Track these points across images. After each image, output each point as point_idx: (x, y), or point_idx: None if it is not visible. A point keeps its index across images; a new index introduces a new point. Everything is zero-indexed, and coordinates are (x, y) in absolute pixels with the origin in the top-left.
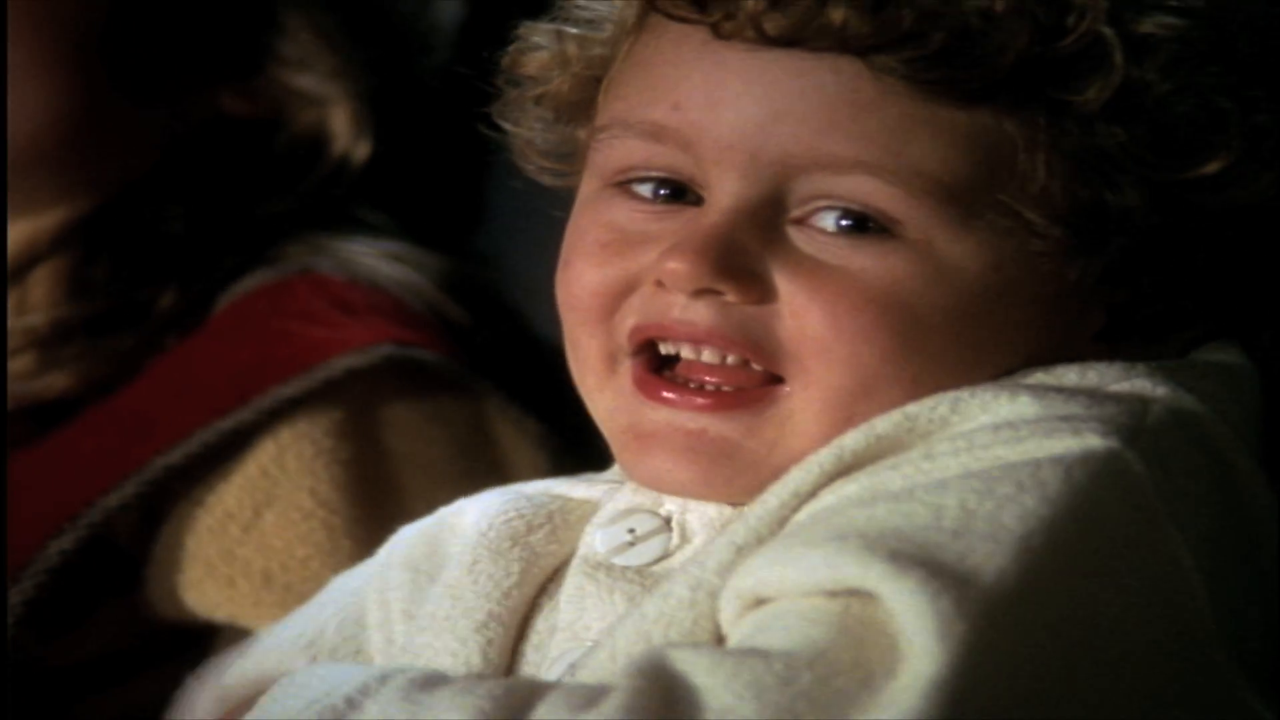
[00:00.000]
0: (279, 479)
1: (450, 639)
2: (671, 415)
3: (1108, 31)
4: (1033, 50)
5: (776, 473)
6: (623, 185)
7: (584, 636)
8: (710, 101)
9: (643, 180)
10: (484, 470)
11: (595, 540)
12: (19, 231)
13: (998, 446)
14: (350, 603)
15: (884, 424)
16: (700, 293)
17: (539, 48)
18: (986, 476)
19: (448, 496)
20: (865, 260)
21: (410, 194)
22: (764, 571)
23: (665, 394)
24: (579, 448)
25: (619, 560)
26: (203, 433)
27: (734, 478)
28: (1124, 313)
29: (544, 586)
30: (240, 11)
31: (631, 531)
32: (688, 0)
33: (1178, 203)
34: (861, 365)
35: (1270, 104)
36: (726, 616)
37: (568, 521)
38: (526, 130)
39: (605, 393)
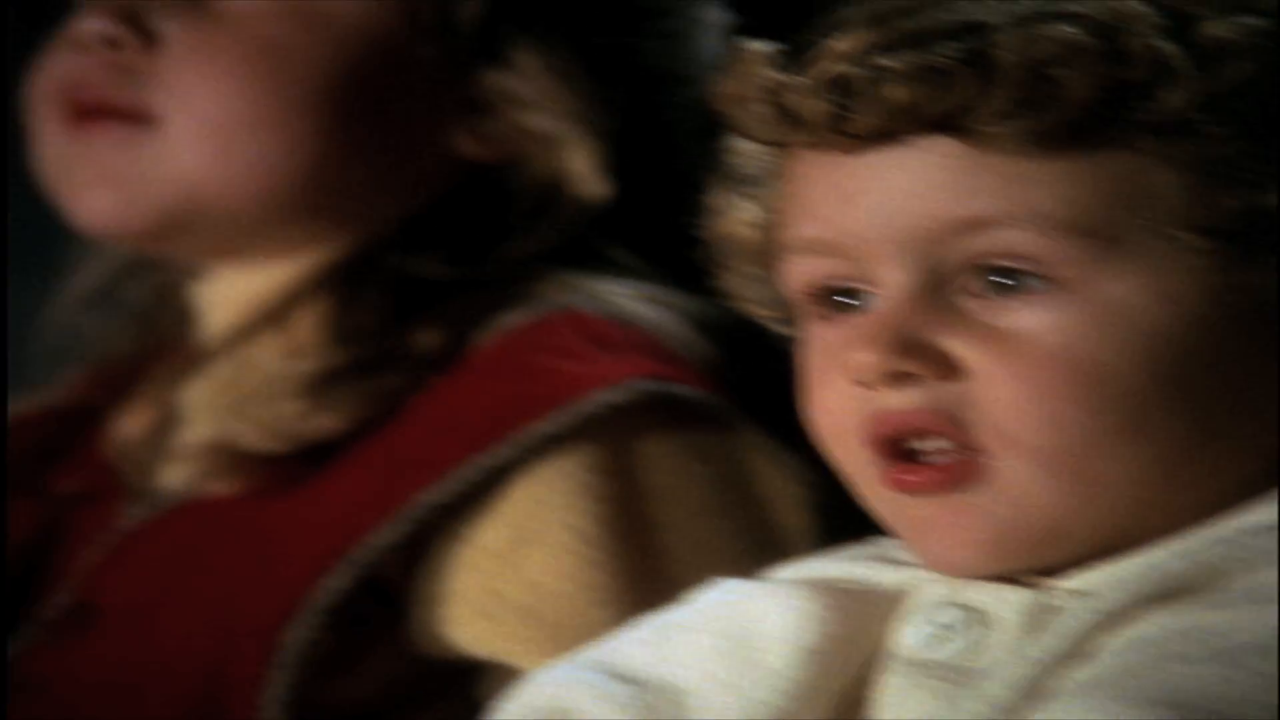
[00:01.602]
0: (539, 515)
1: None
2: (928, 499)
3: (1167, 46)
4: (1104, 80)
5: (1046, 537)
6: (816, 307)
7: None
8: (843, 206)
9: (825, 295)
10: (743, 505)
11: (905, 635)
12: (275, 277)
13: None
14: (667, 671)
15: (1209, 553)
16: (893, 378)
17: (720, 212)
18: None
19: (707, 531)
20: (1035, 317)
21: (661, 232)
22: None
23: (907, 476)
24: (836, 482)
25: (930, 655)
26: (464, 469)
27: (1005, 546)
28: None
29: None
30: (471, 53)
31: (940, 625)
32: (777, 128)
33: None
34: (1064, 424)
35: None
36: None
37: (877, 613)
38: (740, 286)
39: (875, 499)
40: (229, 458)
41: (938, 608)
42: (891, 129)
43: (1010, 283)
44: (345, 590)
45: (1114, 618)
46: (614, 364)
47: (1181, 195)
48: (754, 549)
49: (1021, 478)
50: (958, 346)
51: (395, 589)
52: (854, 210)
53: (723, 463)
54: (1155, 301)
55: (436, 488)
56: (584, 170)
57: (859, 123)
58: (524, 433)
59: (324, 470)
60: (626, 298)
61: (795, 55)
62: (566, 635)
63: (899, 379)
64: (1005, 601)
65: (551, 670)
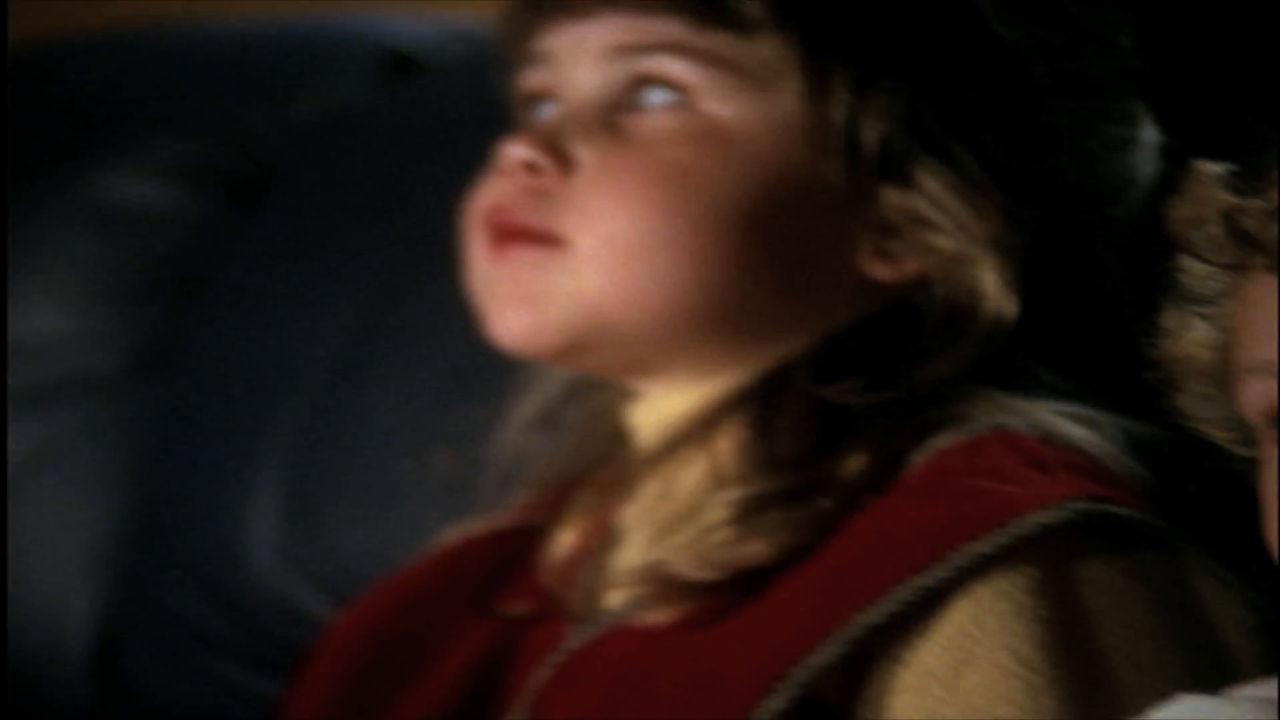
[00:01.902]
0: (978, 637)
1: None
2: None
3: None
4: None
5: None
6: (1274, 430)
7: None
8: None
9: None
10: (1188, 629)
11: None
12: (693, 399)
13: None
14: None
15: None
16: None
17: (1173, 332)
18: None
19: (1150, 655)
20: None
21: (1087, 352)
22: None
23: None
24: None
25: None
26: (901, 590)
27: None
28: None
29: None
30: (876, 174)
31: None
32: (1232, 251)
33: None
34: None
35: None
36: None
37: None
38: (1194, 407)
39: None
40: (664, 585)
41: None
42: None
43: None
44: (785, 711)
45: None
46: (1050, 485)
47: None
48: (1199, 674)
49: None
50: None
51: (834, 712)
52: None
53: (1165, 585)
54: None
55: (873, 609)
56: (994, 289)
57: None
58: (960, 553)
59: (759, 594)
60: (1059, 418)
61: (1249, 177)
62: None
63: None
64: None
65: None
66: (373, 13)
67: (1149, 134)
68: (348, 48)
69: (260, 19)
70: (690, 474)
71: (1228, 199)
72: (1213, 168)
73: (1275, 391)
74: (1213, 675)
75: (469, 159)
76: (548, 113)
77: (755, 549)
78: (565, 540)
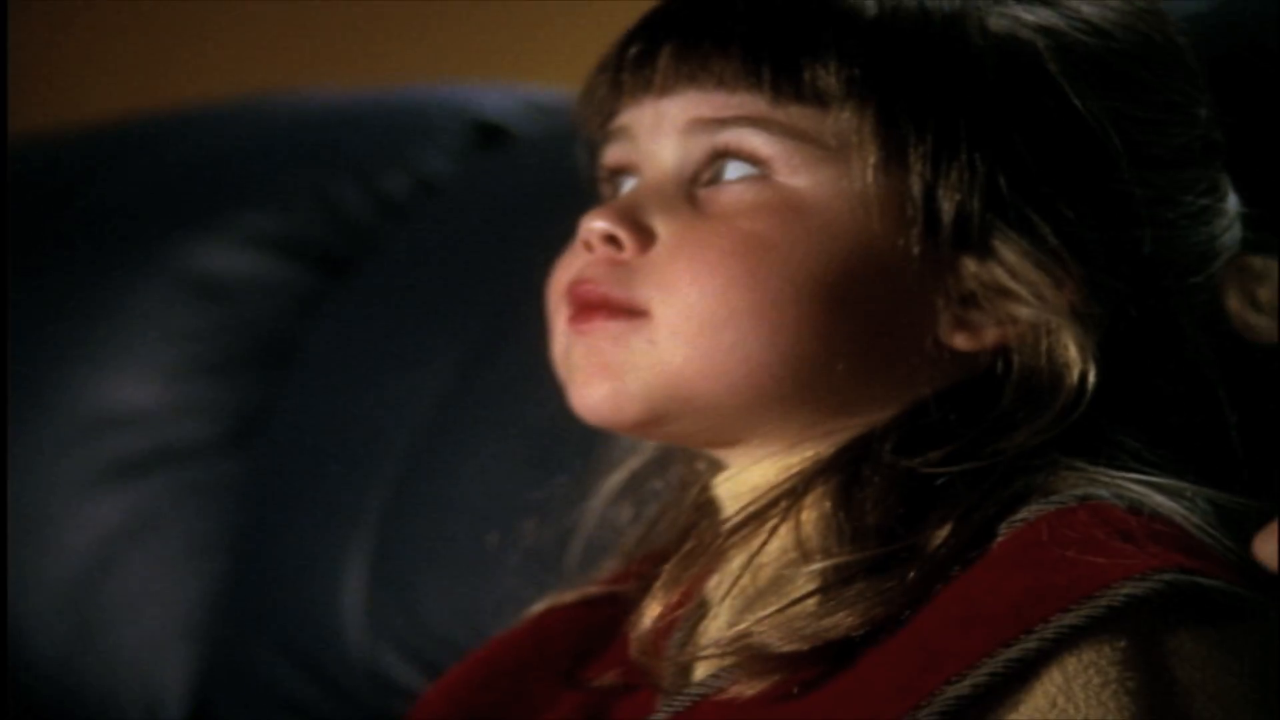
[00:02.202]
0: (1068, 710)
1: None
2: None
3: None
4: None
5: None
6: None
7: None
8: None
9: None
10: (1278, 702)
11: None
12: (776, 470)
13: None
14: None
15: None
16: None
17: None
18: None
19: None
20: None
21: (1174, 422)
22: None
23: None
24: None
25: None
26: (989, 662)
27: None
28: None
29: None
30: (954, 245)
31: None
32: None
33: None
34: None
35: None
36: None
37: None
38: None
39: None
40: (752, 656)
41: None
42: None
43: None
44: None
45: None
46: (1138, 555)
47: None
48: None
49: None
50: None
51: None
52: None
53: (1256, 657)
54: None
55: (963, 680)
56: (1075, 358)
57: None
58: (1049, 625)
59: (848, 665)
60: (1145, 488)
61: None
62: None
63: None
64: None
65: None
66: (461, 85)
67: (1231, 203)
68: (437, 119)
69: (350, 91)
70: (775, 545)
71: None
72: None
73: None
74: None
75: (555, 230)
76: (629, 187)
77: (842, 620)
78: (652, 611)
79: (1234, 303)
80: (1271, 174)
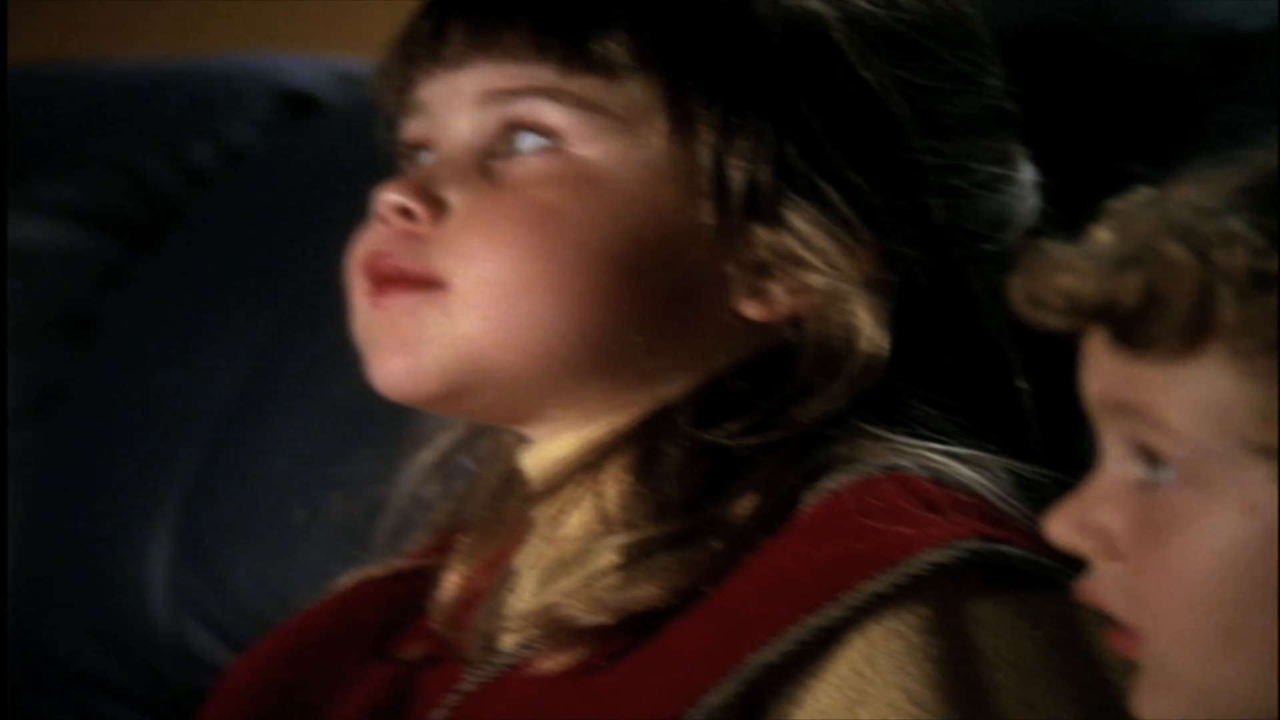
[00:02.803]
0: (871, 677)
1: None
2: None
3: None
4: (1202, 301)
5: (1224, 706)
6: None
7: None
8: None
9: None
10: (1078, 669)
11: None
12: (575, 443)
13: None
14: None
15: None
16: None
17: None
18: None
19: (1040, 695)
20: (1165, 513)
21: (971, 391)
22: None
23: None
24: None
25: None
26: (795, 630)
27: (1183, 707)
28: None
29: None
30: (745, 214)
31: None
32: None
33: None
34: (1163, 623)
35: None
36: None
37: None
38: None
39: None
40: (556, 629)
41: None
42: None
43: (1158, 468)
44: None
45: None
46: (941, 524)
47: (1258, 416)
48: (1089, 712)
49: (1162, 658)
50: (1120, 529)
51: None
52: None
53: (1055, 624)
54: (1239, 514)
55: (768, 648)
56: (868, 326)
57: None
58: (854, 593)
59: (653, 637)
60: (948, 458)
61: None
62: None
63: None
64: None
65: None
66: (269, 54)
67: (1025, 173)
68: (244, 88)
69: (156, 60)
70: (579, 518)
71: (1067, 281)
72: (1053, 245)
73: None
74: (1101, 714)
75: (364, 201)
76: (427, 160)
77: (646, 592)
78: (452, 582)
79: (1018, 290)
80: (1071, 145)
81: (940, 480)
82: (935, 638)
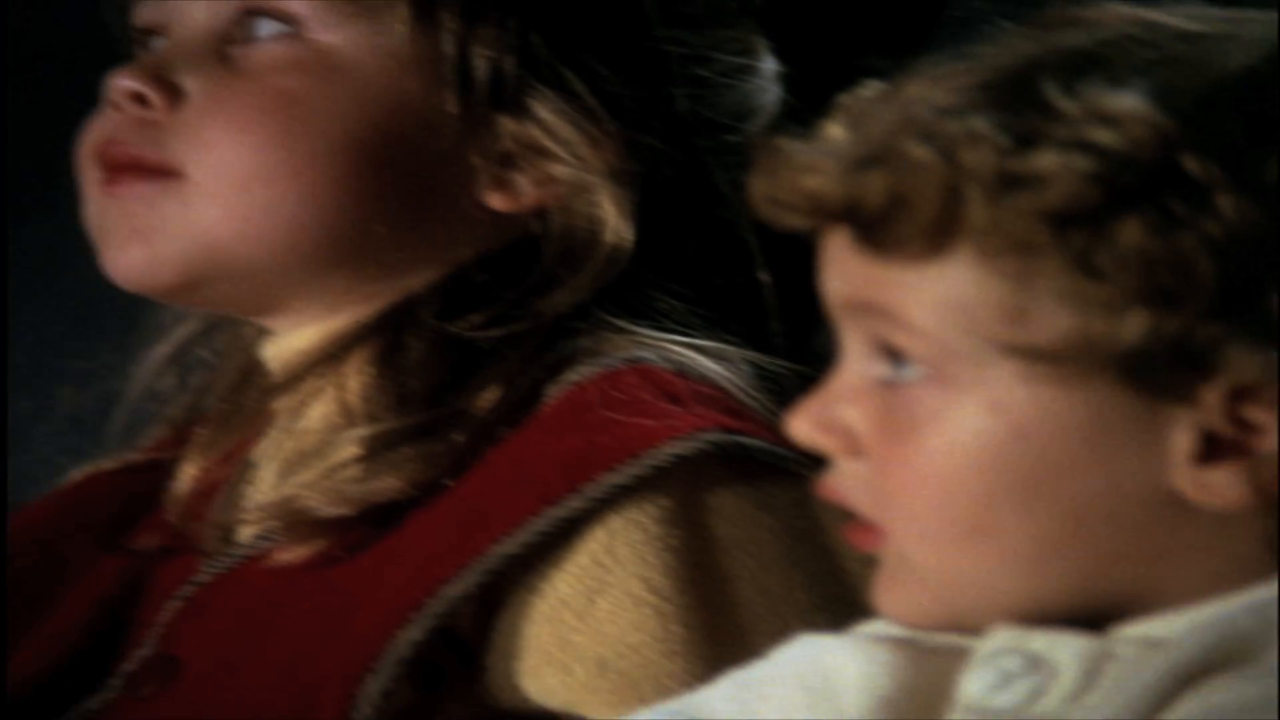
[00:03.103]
0: (611, 566)
1: None
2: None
3: (988, 174)
4: (945, 201)
5: (945, 601)
6: None
7: None
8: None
9: None
10: (813, 556)
11: (970, 684)
12: (318, 335)
13: None
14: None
15: (1271, 609)
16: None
17: None
18: None
19: (778, 583)
20: (905, 409)
21: (717, 283)
22: None
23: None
24: None
25: (994, 703)
26: (537, 521)
27: (924, 601)
28: None
29: None
30: (490, 104)
31: (1002, 672)
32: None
33: None
34: (914, 517)
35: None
36: None
37: (954, 666)
38: None
39: None
40: (295, 520)
41: (999, 655)
42: (809, 216)
43: (902, 365)
44: (421, 642)
45: (1187, 675)
46: (683, 416)
47: (1008, 311)
48: (825, 600)
49: (905, 553)
50: (861, 425)
51: (470, 641)
52: (823, 274)
53: (793, 514)
54: (987, 412)
55: (509, 539)
56: (612, 217)
57: (785, 212)
58: (595, 484)
59: (394, 529)
60: (690, 351)
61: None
62: (639, 686)
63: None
64: (1065, 648)
65: None
66: None
67: (767, 64)
68: None
69: None
70: (320, 410)
71: (809, 182)
72: (791, 144)
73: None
74: (836, 603)
75: (94, 87)
76: (161, 46)
77: (387, 484)
78: (188, 473)
79: (758, 191)
80: (808, 38)
81: (682, 372)
82: (675, 528)
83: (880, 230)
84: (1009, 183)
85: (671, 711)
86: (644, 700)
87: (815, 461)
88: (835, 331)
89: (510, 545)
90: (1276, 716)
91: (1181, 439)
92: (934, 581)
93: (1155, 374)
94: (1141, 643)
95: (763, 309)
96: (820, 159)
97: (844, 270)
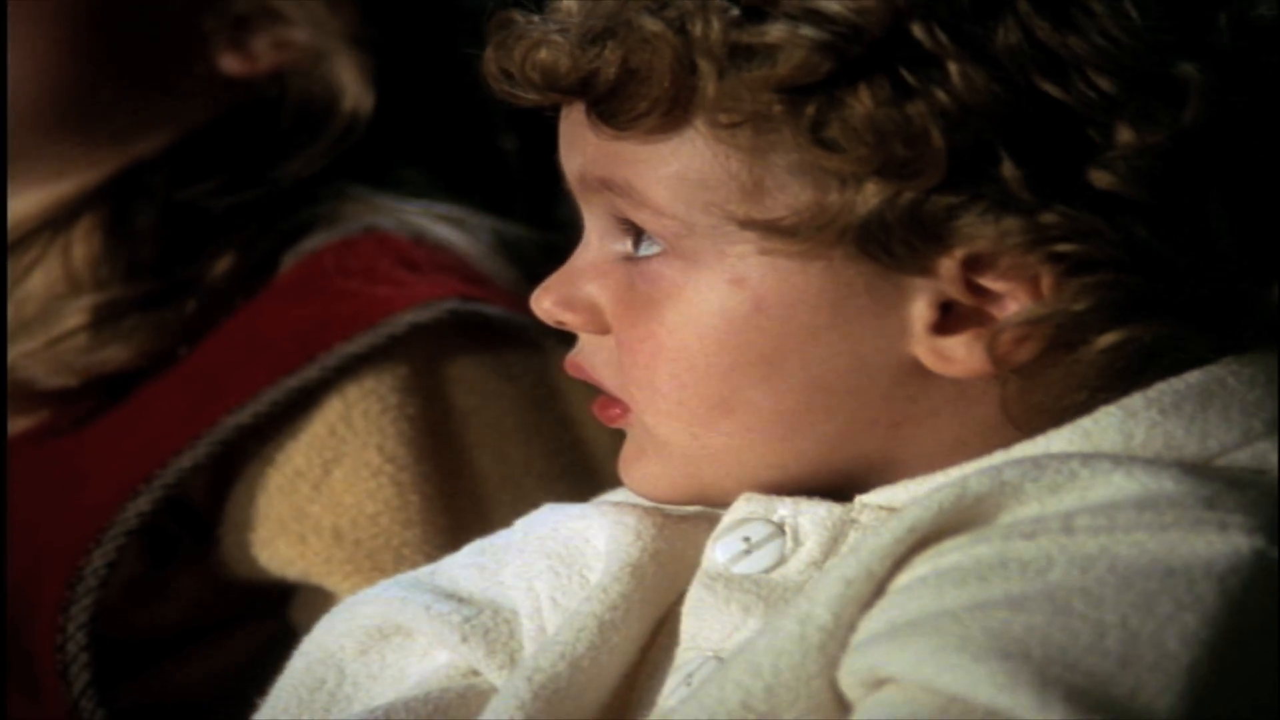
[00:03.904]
0: (347, 436)
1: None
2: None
3: (716, 47)
4: (676, 76)
5: (686, 472)
6: None
7: (704, 646)
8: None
9: None
10: (551, 423)
11: (714, 551)
12: (42, 200)
13: (1139, 530)
14: (498, 593)
15: (1011, 471)
16: (561, 325)
17: None
18: (1141, 584)
19: (516, 451)
20: (649, 284)
21: (457, 151)
22: (891, 657)
23: (600, 410)
24: None
25: (736, 569)
26: (271, 391)
27: (647, 466)
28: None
29: (684, 593)
30: None
31: (747, 540)
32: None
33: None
34: (658, 392)
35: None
36: (846, 681)
37: (700, 533)
38: None
39: None
40: (15, 392)
41: (745, 523)
42: (543, 95)
43: (645, 241)
44: (149, 514)
45: (919, 533)
46: (421, 284)
47: (745, 186)
48: (564, 468)
49: (648, 426)
50: (605, 301)
51: (203, 513)
52: (561, 151)
53: (532, 383)
54: (728, 286)
55: (244, 410)
56: (351, 83)
57: (521, 89)
58: (332, 354)
59: (124, 400)
60: (429, 218)
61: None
62: (376, 556)
63: (568, 326)
64: (807, 516)
65: (378, 590)
66: None
67: None
68: None
69: None
70: (41, 278)
71: (541, 56)
72: (523, 17)
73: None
74: (575, 471)
75: None
76: None
77: (114, 354)
78: None
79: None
80: None
81: (421, 240)
82: (411, 396)
83: (614, 105)
84: (740, 54)
85: (413, 579)
86: (381, 569)
87: (555, 331)
88: (577, 205)
89: (243, 415)
90: (1009, 575)
91: (920, 309)
92: (679, 455)
93: (892, 245)
94: (882, 509)
95: (505, 176)
96: (552, 32)
97: (581, 147)
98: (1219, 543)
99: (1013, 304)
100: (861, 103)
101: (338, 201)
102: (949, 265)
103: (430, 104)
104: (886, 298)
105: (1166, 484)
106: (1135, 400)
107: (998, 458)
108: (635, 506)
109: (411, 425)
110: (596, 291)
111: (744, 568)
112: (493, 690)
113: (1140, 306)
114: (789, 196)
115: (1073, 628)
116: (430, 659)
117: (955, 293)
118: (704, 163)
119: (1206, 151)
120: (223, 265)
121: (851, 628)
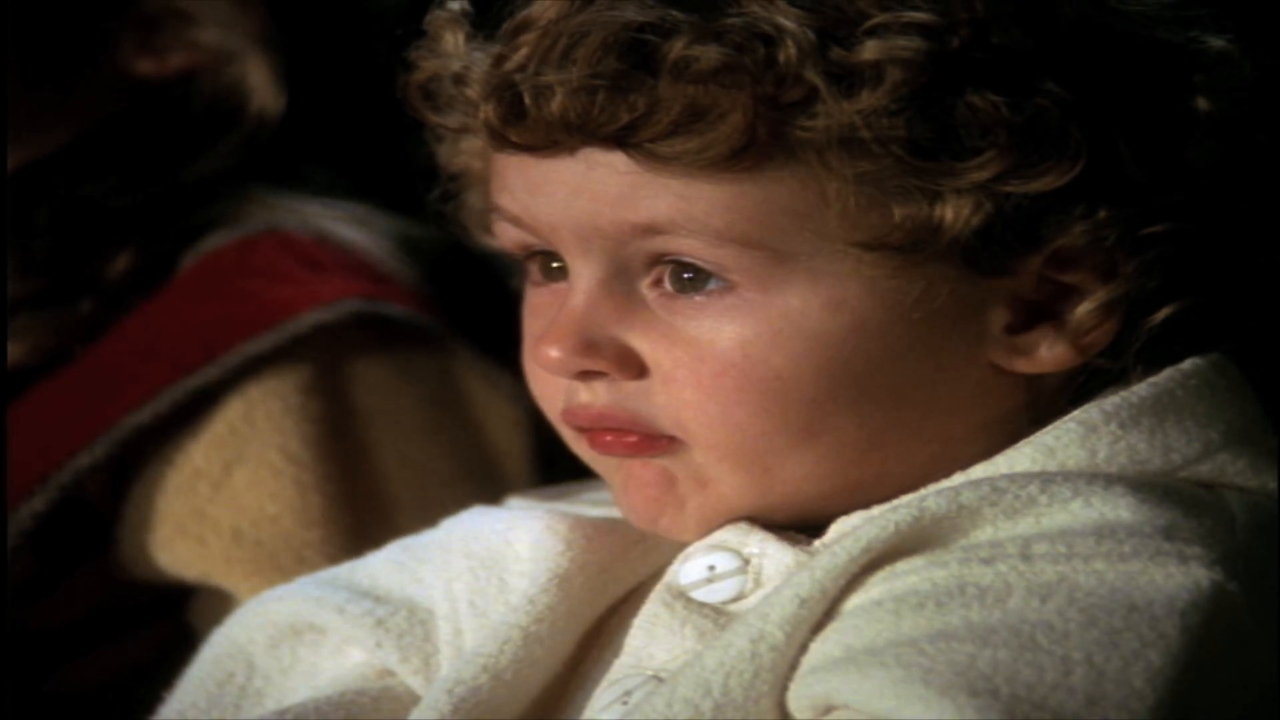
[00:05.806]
0: (248, 436)
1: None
2: (623, 460)
3: (811, 75)
4: (759, 108)
5: (727, 511)
6: (529, 266)
7: (647, 664)
8: (527, 187)
9: (533, 258)
10: (455, 424)
11: (679, 571)
12: None
13: (1098, 560)
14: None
15: (969, 494)
16: (581, 374)
17: (443, 142)
18: (1105, 620)
19: (420, 452)
20: (712, 321)
21: (363, 153)
22: (851, 685)
23: (604, 439)
24: None
25: (697, 595)
26: (171, 391)
27: (682, 511)
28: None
29: (614, 606)
30: None
31: (712, 568)
32: (462, 116)
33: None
34: (738, 425)
35: (1042, 92)
36: (796, 704)
37: (632, 547)
38: (468, 215)
39: (582, 453)
40: None
41: (716, 550)
42: (559, 141)
43: (691, 276)
44: (45, 514)
45: (873, 553)
46: (323, 284)
47: (846, 210)
48: (468, 470)
49: (705, 465)
50: (640, 344)
51: (102, 512)
52: (541, 199)
53: (436, 383)
54: (825, 310)
55: (143, 409)
56: (260, 85)
57: (527, 135)
58: (232, 354)
59: (22, 397)
60: (332, 218)
61: (491, 27)
62: (277, 557)
63: (586, 375)
64: (772, 560)
65: (293, 587)
66: None
67: None
68: None
69: None
70: None
71: (551, 105)
72: (453, 19)
73: (519, 237)
74: (480, 473)
75: None
76: None
77: (8, 352)
78: None
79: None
80: None
81: (323, 239)
82: (314, 397)
83: (674, 146)
84: (833, 79)
85: (331, 576)
86: (282, 570)
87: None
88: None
89: (143, 415)
90: (968, 603)
91: (999, 311)
92: (734, 491)
93: (991, 250)
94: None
95: (409, 176)
96: (548, 73)
97: (595, 192)
98: (1178, 575)
99: (1086, 292)
100: (974, 109)
101: (239, 201)
102: (1033, 263)
103: (334, 104)
104: (969, 304)
105: (1123, 513)
106: (1092, 413)
107: (957, 479)
108: (567, 515)
109: (314, 426)
110: (625, 334)
111: (703, 595)
112: (407, 692)
113: (1192, 278)
114: (894, 214)
115: (1039, 663)
116: (344, 656)
117: (1029, 290)
118: (793, 190)
119: (1266, 119)
120: (121, 263)
121: (803, 648)
